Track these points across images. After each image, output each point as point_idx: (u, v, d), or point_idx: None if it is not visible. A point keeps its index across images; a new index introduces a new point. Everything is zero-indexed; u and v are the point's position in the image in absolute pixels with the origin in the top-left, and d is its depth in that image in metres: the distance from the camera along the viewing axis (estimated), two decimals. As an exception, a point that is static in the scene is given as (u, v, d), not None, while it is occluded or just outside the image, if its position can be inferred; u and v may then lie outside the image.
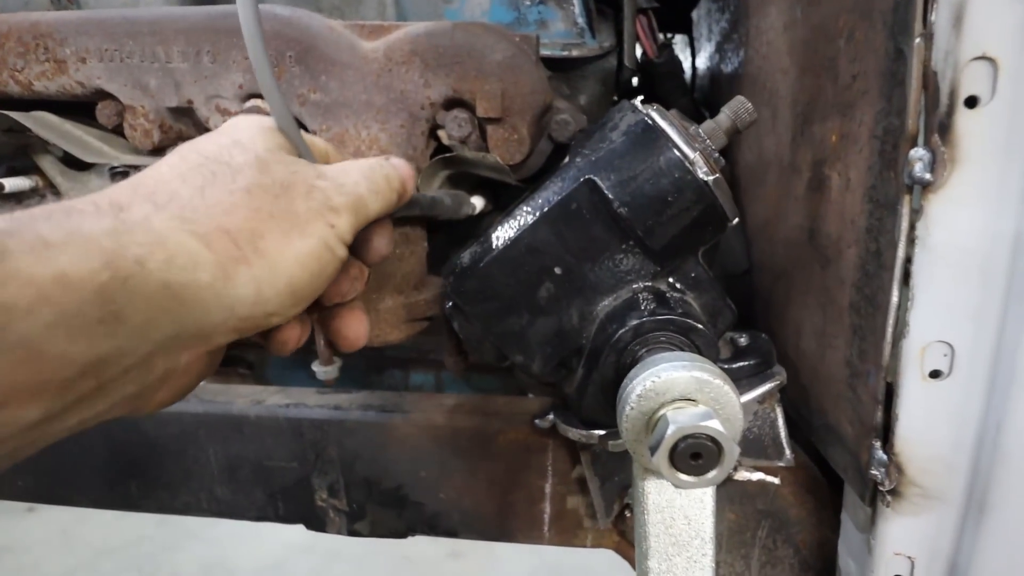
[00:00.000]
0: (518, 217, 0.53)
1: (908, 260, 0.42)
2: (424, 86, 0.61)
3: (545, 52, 0.67)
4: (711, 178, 0.49)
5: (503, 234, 0.53)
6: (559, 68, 0.70)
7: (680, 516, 0.43)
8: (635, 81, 0.76)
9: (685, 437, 0.37)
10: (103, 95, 0.67)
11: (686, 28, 0.98)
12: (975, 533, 0.45)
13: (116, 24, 0.64)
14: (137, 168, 0.74)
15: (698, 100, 0.96)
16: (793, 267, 0.61)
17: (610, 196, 0.50)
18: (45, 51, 0.65)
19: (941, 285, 0.41)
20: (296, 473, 0.66)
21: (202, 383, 0.77)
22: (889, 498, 0.46)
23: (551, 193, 0.53)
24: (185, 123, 0.68)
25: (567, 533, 0.63)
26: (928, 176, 0.39)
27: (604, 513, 0.60)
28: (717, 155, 0.53)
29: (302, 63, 0.61)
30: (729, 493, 0.59)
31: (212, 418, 0.66)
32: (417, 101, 0.61)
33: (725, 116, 0.54)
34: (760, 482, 0.59)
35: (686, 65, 0.97)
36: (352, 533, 0.67)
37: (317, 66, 0.61)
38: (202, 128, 0.67)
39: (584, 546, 0.63)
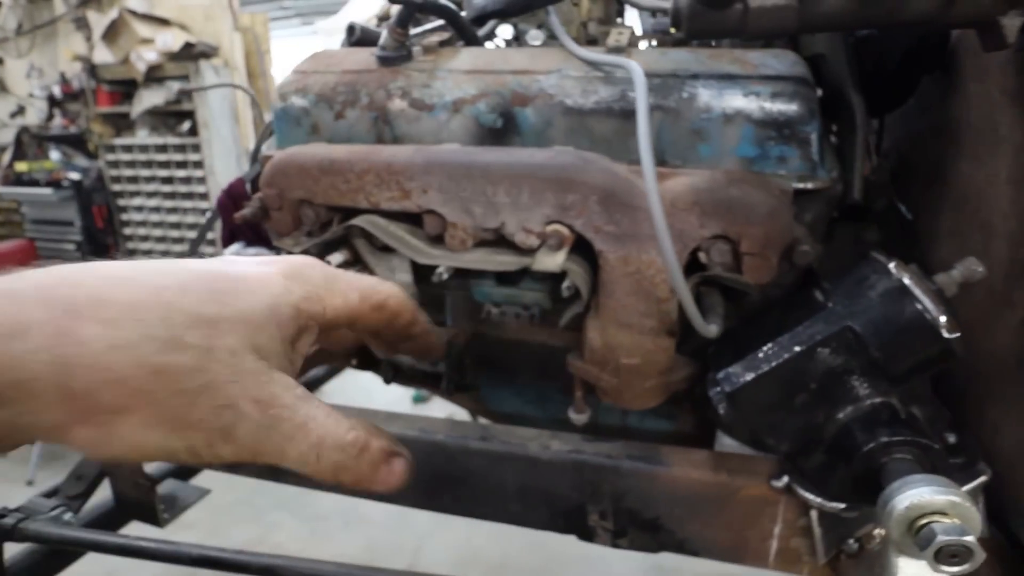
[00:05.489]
0: (785, 344, 0.71)
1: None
2: (699, 227, 0.78)
3: (785, 184, 0.82)
4: (954, 336, 0.65)
5: (773, 356, 0.72)
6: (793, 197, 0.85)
7: (921, 585, 0.62)
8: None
9: (948, 544, 0.56)
10: (432, 212, 0.88)
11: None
12: None
13: (455, 167, 0.84)
14: (439, 264, 0.95)
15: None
16: (995, 374, 0.76)
17: (868, 343, 0.67)
18: (396, 184, 0.87)
19: None
20: (575, 500, 0.89)
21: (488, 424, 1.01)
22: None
23: (815, 331, 0.70)
24: (493, 235, 0.89)
25: (789, 564, 0.83)
26: None
27: (823, 555, 0.80)
28: (952, 308, 0.68)
29: (603, 205, 0.80)
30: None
31: (511, 456, 0.90)
32: (692, 236, 0.79)
33: (959, 272, 0.69)
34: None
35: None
36: (615, 545, 0.90)
37: (613, 207, 0.80)
38: (506, 242, 0.87)
39: (802, 574, 0.83)
